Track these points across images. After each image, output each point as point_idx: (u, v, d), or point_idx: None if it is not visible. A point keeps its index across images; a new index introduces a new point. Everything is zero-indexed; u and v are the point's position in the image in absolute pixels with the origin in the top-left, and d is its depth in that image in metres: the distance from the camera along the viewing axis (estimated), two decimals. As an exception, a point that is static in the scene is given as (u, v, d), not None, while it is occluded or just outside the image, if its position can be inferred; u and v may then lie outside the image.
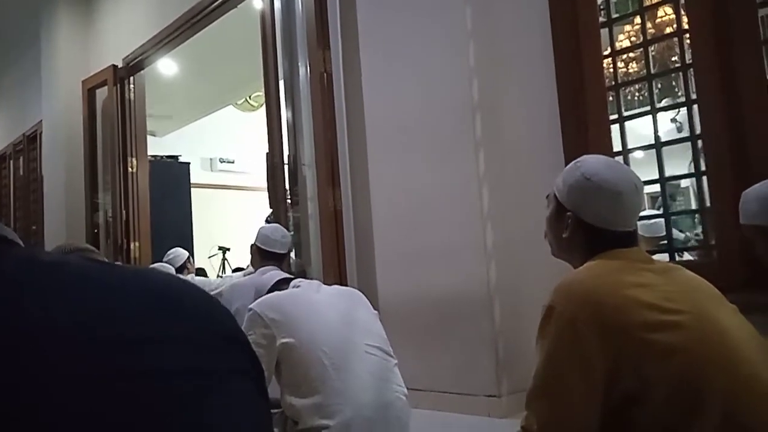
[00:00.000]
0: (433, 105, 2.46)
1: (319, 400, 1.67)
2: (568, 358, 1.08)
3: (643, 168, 2.41)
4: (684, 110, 2.21)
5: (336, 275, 3.03)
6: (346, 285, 2.84)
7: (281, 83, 3.49)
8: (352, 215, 2.98)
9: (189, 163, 6.63)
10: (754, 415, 0.98)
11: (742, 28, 2.02)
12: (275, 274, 2.14)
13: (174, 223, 5.68)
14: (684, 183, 5.45)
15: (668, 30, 3.41)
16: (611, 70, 2.41)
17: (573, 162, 1.28)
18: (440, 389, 2.32)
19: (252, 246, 3.02)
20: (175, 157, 6.62)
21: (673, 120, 6.92)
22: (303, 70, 3.35)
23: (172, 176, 6.15)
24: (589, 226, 1.23)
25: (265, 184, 3.50)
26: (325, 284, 2.25)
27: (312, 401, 1.67)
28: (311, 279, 2.37)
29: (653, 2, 2.35)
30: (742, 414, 0.97)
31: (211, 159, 8.16)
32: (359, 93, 2.82)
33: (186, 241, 5.31)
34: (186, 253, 4.43)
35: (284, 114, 3.44)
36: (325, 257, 3.15)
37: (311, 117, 3.25)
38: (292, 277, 2.19)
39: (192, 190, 6.46)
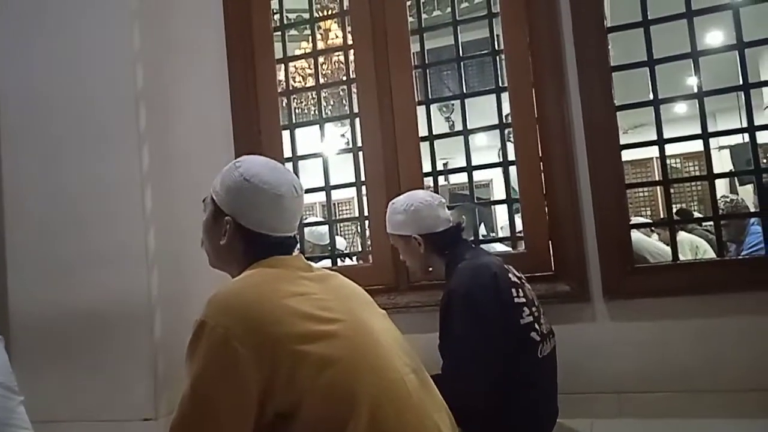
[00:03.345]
0: (87, 89, 2.12)
1: None
2: (219, 381, 0.97)
3: (312, 177, 2.49)
4: (351, 125, 2.34)
5: (-48, 289, 2.41)
6: (-34, 301, 2.28)
7: None
8: (-23, 214, 2.41)
9: None
10: (396, 417, 1.02)
11: (396, 53, 2.22)
12: None
13: None
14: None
15: (340, 54, 3.64)
16: (285, 78, 2.44)
17: (232, 162, 1.19)
18: (86, 418, 2.00)
19: None
20: None
21: (343, 136, 7.57)
22: None
23: None
24: (248, 231, 1.15)
25: None
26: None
27: None
28: None
29: (323, 15, 2.45)
30: (386, 417, 1.00)
31: None
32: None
33: None
34: None
35: None
36: (-64, 266, 2.49)
37: None
38: None
39: None
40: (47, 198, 2.15)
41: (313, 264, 1.25)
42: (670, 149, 2.01)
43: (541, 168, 2.06)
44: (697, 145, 1.99)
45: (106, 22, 2.12)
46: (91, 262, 2.08)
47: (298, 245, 1.55)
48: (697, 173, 8.22)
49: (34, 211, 2.16)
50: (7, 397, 1.51)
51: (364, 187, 2.27)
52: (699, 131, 1.96)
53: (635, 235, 2.56)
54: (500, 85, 2.16)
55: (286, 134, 2.37)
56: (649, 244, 2.89)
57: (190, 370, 1.00)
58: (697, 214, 6.37)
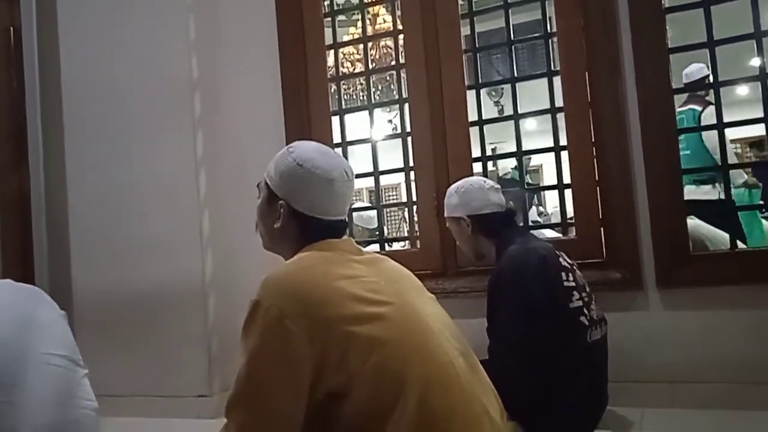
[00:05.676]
0: (146, 79, 2.20)
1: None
2: (273, 359, 1.00)
3: (360, 162, 2.50)
4: (399, 110, 2.34)
5: (22, 269, 2.55)
6: (34, 281, 2.41)
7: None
8: (44, 199, 2.53)
9: None
10: (445, 400, 1.03)
11: (446, 37, 2.20)
12: None
13: None
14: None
15: (388, 40, 3.64)
16: (334, 64, 2.46)
17: (285, 148, 1.22)
18: (144, 393, 2.09)
19: None
20: None
21: (390, 121, 7.56)
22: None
23: None
24: (300, 214, 1.18)
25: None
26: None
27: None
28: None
29: (373, 0, 2.46)
30: (434, 400, 1.01)
31: None
32: (56, 56, 2.39)
33: None
34: None
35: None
36: (6, 248, 2.63)
37: (-7, 78, 2.67)
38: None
39: None
40: (107, 184, 2.24)
41: (362, 248, 1.27)
42: (731, 134, 1.94)
43: (594, 153, 2.01)
44: (760, 130, 1.91)
45: (162, 15, 2.19)
46: (148, 245, 2.16)
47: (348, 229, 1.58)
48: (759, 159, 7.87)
49: (95, 196, 2.26)
50: (72, 369, 1.57)
51: (412, 173, 2.27)
52: (762, 115, 1.88)
53: (694, 221, 2.47)
54: (552, 68, 2.12)
55: (335, 120, 2.39)
56: (709, 231, 2.79)
57: (245, 348, 1.03)
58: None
